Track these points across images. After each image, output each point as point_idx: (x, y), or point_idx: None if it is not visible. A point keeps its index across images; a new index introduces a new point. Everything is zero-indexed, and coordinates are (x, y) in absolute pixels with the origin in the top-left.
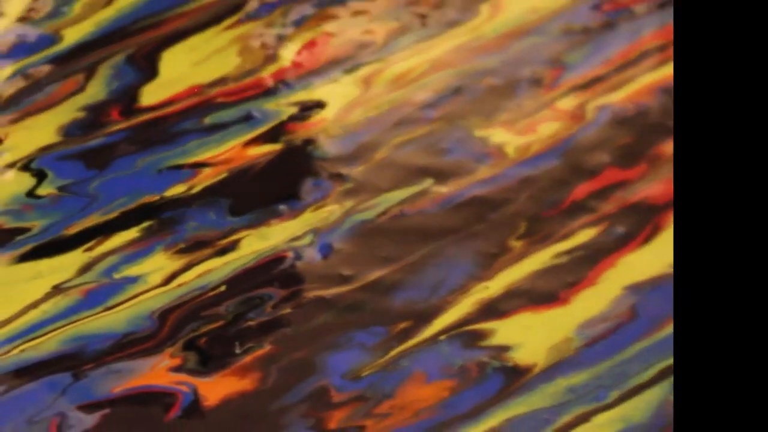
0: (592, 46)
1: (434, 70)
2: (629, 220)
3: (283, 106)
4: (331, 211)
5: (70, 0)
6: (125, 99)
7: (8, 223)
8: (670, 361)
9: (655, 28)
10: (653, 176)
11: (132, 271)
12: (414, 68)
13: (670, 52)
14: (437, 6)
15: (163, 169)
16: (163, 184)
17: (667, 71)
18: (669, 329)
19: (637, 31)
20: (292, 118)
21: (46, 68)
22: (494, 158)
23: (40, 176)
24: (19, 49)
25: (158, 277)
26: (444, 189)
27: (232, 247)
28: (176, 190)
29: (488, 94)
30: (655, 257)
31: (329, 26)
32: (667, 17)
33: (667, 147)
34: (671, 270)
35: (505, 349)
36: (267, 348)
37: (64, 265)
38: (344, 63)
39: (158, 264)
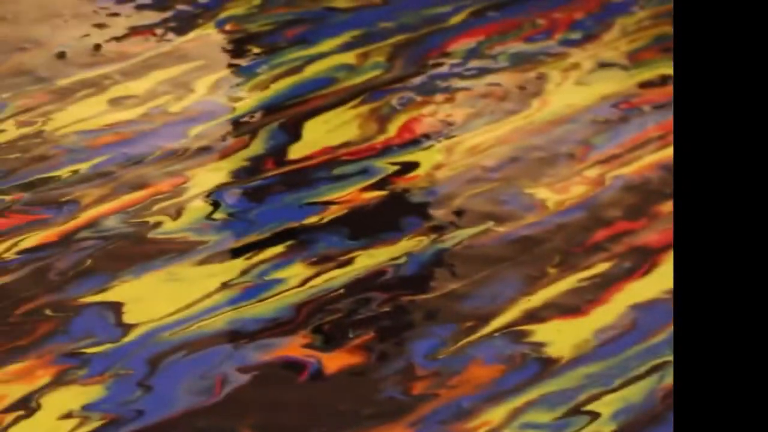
0: (611, 133)
1: (498, 145)
2: (634, 258)
3: (389, 164)
4: (421, 240)
5: (241, 83)
6: (277, 154)
7: (192, 236)
8: (660, 360)
9: (657, 122)
10: (652, 227)
11: (278, 275)
12: (483, 142)
13: (669, 139)
14: (502, 99)
15: (303, 204)
16: (302, 215)
17: (667, 153)
18: (660, 337)
19: (643, 124)
20: (396, 173)
21: (223, 129)
22: (538, 209)
23: (216, 205)
24: (205, 115)
25: (296, 281)
26: (501, 229)
27: (349, 262)
28: (311, 219)
29: (536, 163)
30: (652, 286)
31: (424, 109)
32: (667, 114)
33: (665, 207)
34: (664, 296)
35: (541, 345)
36: (372, 335)
37: (230, 269)
38: (434, 136)
39: (297, 272)
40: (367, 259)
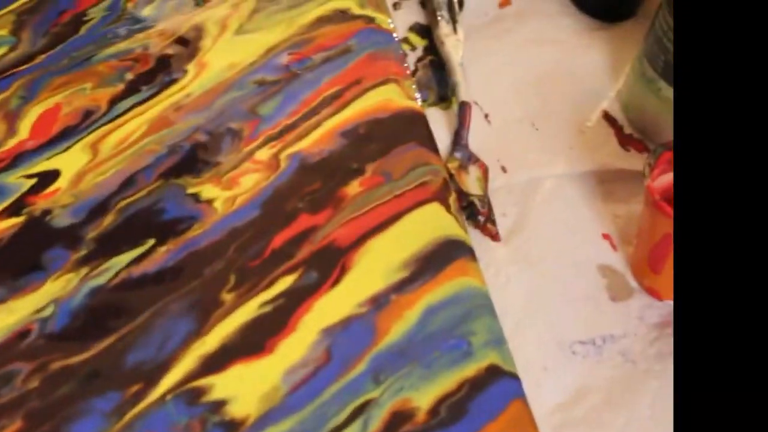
0: (281, 98)
1: (152, 132)
2: (320, 263)
3: (23, 179)
4: (69, 279)
5: None
6: None
7: None
8: (362, 399)
9: (331, 75)
10: (337, 219)
11: None
12: (134, 131)
13: (347, 96)
14: (150, 67)
15: None
16: None
17: (344, 115)
18: (359, 368)
19: (316, 81)
20: (32, 190)
21: None
22: (205, 214)
23: None
24: None
25: None
26: (163, 248)
27: None
28: None
29: (198, 151)
30: (343, 299)
31: (61, 94)
32: (341, 64)
33: (350, 189)
34: (360, 309)
35: (222, 403)
36: (18, 424)
37: None
38: (77, 130)
39: None
40: (6, 317)
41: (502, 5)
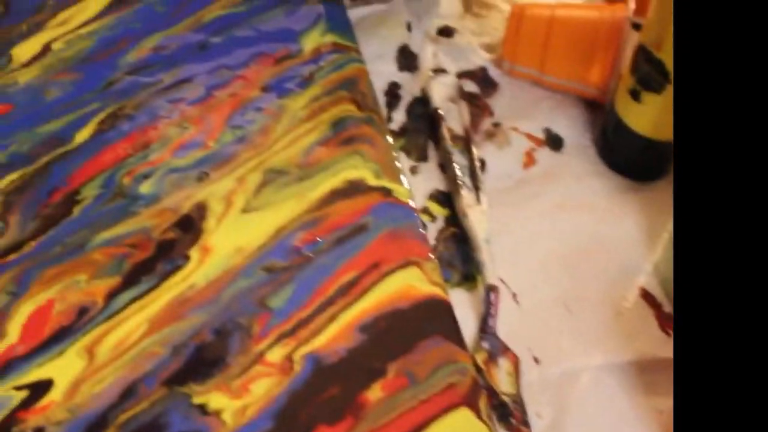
0: (293, 285)
1: (154, 331)
2: None
3: (13, 391)
4: None
5: None
6: None
7: None
8: None
9: (348, 257)
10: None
11: None
12: (133, 331)
13: (375, 278)
14: (147, 254)
15: None
16: None
17: (352, 314)
18: None
19: (332, 264)
20: (24, 404)
21: None
22: (214, 429)
23: None
24: None
25: None
26: None
27: None
28: None
29: (206, 351)
30: None
31: (51, 289)
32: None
33: (371, 394)
34: None
35: None
36: None
37: None
38: (72, 331)
39: None
40: None
41: (526, 166)
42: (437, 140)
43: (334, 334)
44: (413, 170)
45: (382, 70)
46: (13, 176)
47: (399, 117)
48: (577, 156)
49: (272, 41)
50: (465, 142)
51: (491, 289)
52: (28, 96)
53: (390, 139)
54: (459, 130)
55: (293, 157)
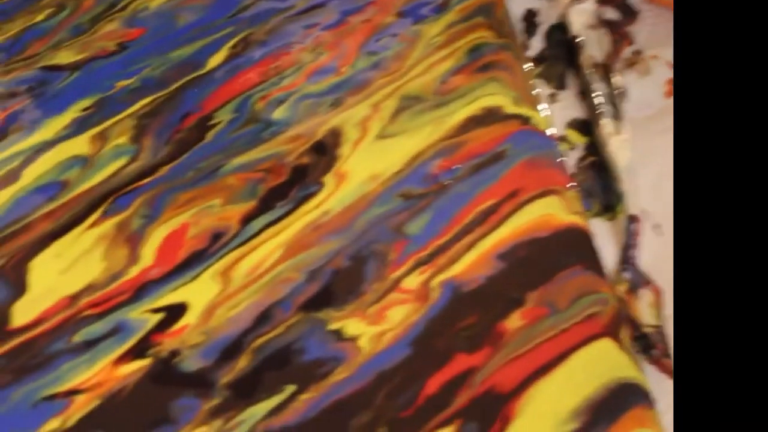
0: (429, 214)
1: (293, 255)
2: (479, 413)
3: (148, 313)
4: None
5: None
6: None
7: None
8: None
9: (485, 187)
10: (497, 359)
11: None
12: (270, 255)
13: (503, 215)
14: (281, 179)
15: (39, 401)
16: (38, 420)
17: (492, 239)
18: None
19: (469, 193)
20: (159, 327)
21: None
22: (349, 355)
23: None
24: None
25: None
26: (305, 396)
27: None
28: (52, 425)
29: (341, 279)
30: None
31: (189, 212)
32: (500, 169)
33: (509, 322)
34: None
35: None
36: None
37: None
38: (206, 256)
39: None
40: None
41: (668, 95)
42: (576, 68)
43: (472, 261)
44: (552, 98)
45: None
46: (146, 100)
47: (537, 44)
48: None
49: None
50: (605, 70)
51: (633, 219)
52: (160, 21)
53: (528, 66)
54: (599, 57)
55: (429, 83)
